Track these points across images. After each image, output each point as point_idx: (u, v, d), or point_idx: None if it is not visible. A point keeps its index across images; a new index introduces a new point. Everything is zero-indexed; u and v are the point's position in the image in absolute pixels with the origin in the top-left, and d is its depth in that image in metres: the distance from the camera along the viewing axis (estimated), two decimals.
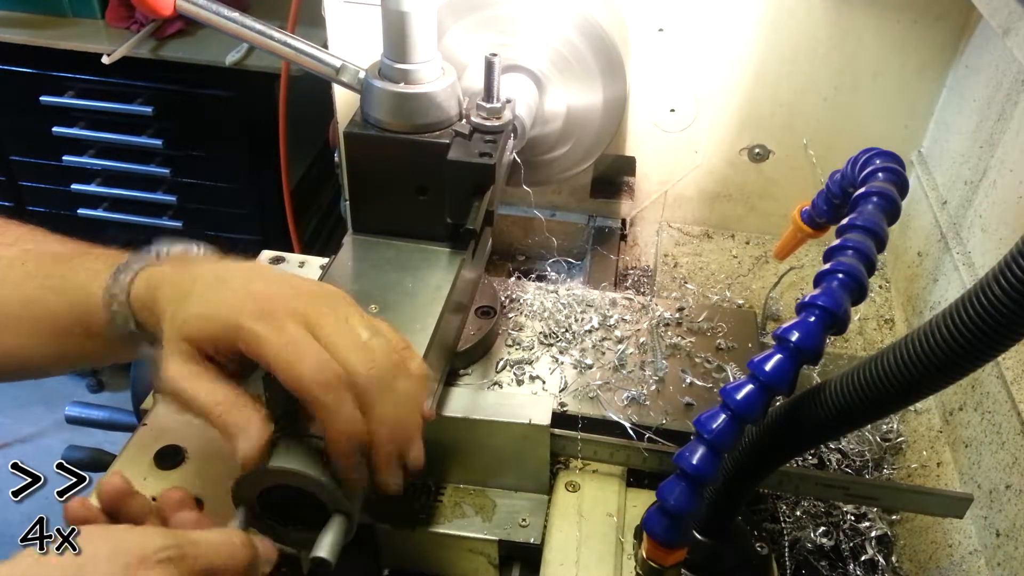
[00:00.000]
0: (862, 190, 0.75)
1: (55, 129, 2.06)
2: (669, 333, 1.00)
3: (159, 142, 2.04)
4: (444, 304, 0.80)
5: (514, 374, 0.93)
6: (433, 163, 0.83)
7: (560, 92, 1.18)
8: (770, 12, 1.20)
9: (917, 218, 1.24)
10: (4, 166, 2.21)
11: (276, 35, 0.88)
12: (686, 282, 1.30)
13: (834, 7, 1.18)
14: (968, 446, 0.93)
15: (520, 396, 0.90)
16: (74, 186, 2.16)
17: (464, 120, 0.87)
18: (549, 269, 1.30)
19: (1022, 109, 0.98)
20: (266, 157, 1.92)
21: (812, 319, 0.64)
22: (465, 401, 0.87)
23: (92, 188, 2.15)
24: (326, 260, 1.04)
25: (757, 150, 1.33)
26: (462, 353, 0.92)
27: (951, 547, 0.91)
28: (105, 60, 1.81)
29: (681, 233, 1.41)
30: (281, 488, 0.64)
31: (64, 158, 2.11)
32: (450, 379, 0.90)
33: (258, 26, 0.89)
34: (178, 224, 2.18)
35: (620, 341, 0.98)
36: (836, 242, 0.70)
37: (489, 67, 0.85)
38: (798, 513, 0.93)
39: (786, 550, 0.89)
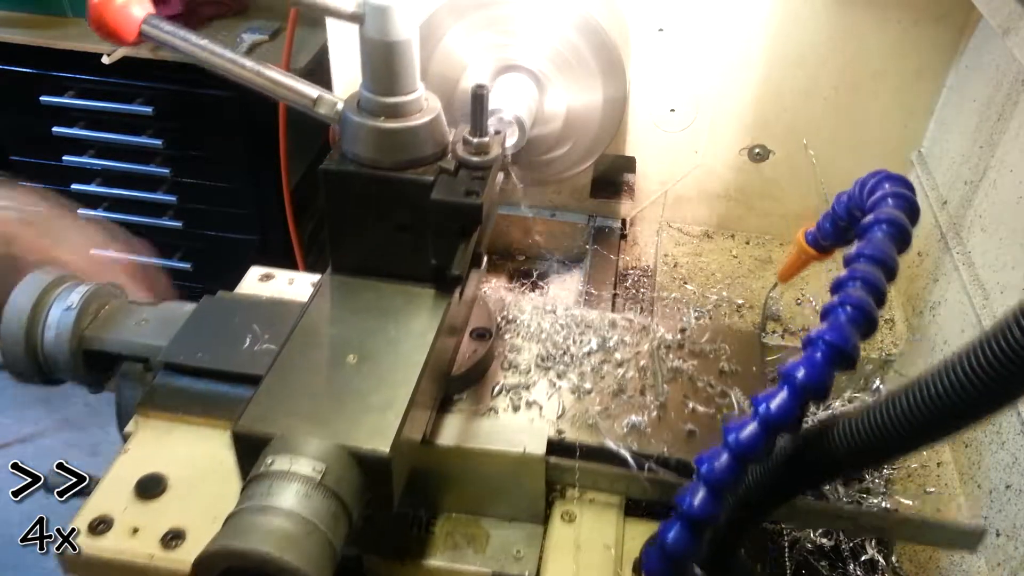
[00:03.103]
0: (870, 218, 0.71)
1: (55, 129, 2.07)
2: (670, 356, 0.96)
3: (159, 142, 2.04)
4: (428, 353, 0.75)
5: (510, 399, 0.89)
6: (416, 202, 0.79)
7: (560, 92, 1.18)
8: (771, 12, 1.20)
9: None
10: (4, 166, 2.21)
11: (248, 64, 0.83)
12: (686, 282, 1.30)
13: (835, 8, 1.18)
14: (968, 446, 0.93)
15: (515, 424, 0.86)
16: (74, 186, 2.16)
17: (450, 155, 0.81)
18: (549, 270, 1.30)
19: (1022, 109, 0.98)
20: (266, 157, 1.92)
21: (819, 355, 0.61)
22: (458, 429, 0.83)
23: (92, 188, 2.15)
24: (316, 278, 0.96)
25: (757, 150, 1.33)
26: (456, 378, 0.88)
27: None
28: (105, 60, 1.81)
29: (681, 233, 1.41)
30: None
31: (64, 158, 2.11)
32: (443, 405, 0.87)
33: (228, 54, 0.84)
34: (178, 224, 2.18)
35: (620, 364, 0.94)
36: (844, 273, 0.67)
37: (477, 100, 0.79)
38: None
39: (786, 550, 0.89)
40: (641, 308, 1.29)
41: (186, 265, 2.25)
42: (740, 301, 1.25)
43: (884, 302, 0.65)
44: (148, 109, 1.98)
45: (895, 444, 0.58)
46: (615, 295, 1.29)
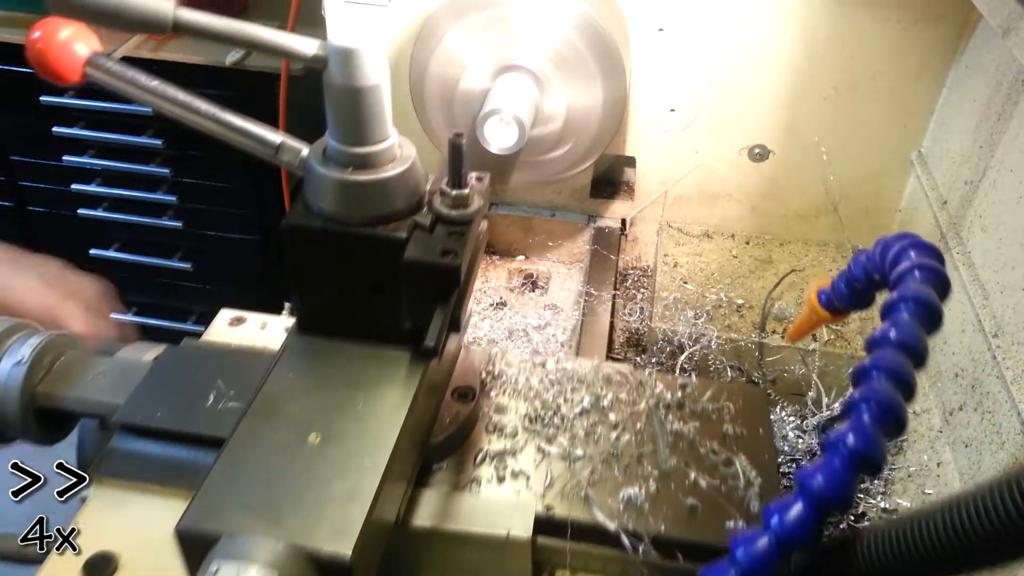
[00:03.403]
0: (895, 295, 0.64)
1: (55, 129, 2.07)
2: (670, 417, 0.89)
3: (159, 142, 2.04)
4: (401, 430, 0.68)
5: (494, 468, 0.82)
6: (388, 261, 0.71)
7: (560, 92, 1.18)
8: (770, 12, 1.20)
9: (917, 218, 1.24)
10: (4, 166, 2.21)
11: (203, 107, 0.77)
12: (686, 282, 1.30)
13: (834, 7, 1.18)
14: (968, 446, 0.93)
15: (499, 498, 0.79)
16: (74, 186, 2.16)
17: (426, 207, 0.74)
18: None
19: (1022, 109, 0.98)
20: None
21: (838, 462, 0.55)
22: (436, 507, 0.77)
23: (92, 188, 2.15)
24: (291, 322, 0.87)
25: (757, 150, 1.33)
26: (436, 446, 0.81)
27: None
28: None
29: (681, 233, 1.42)
30: None
31: (64, 158, 2.11)
32: (421, 476, 0.80)
33: (181, 96, 0.77)
34: (178, 224, 2.18)
35: (615, 427, 0.87)
36: (866, 360, 0.60)
37: (455, 150, 0.72)
38: None
39: None
40: (641, 309, 1.30)
41: (186, 265, 2.25)
42: (740, 301, 1.25)
43: (914, 395, 0.58)
44: (148, 109, 1.98)
45: (927, 571, 0.53)
46: (615, 295, 1.29)
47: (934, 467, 0.98)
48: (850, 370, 0.62)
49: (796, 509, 0.55)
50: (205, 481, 0.64)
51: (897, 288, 0.64)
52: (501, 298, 1.27)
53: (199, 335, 1.08)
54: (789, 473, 0.95)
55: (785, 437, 0.98)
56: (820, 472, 0.55)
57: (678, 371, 1.12)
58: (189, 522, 0.61)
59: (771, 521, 0.56)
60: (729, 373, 1.10)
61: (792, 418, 1.01)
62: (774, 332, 1.19)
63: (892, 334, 0.60)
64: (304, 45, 0.68)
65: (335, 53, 0.67)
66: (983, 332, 0.93)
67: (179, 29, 0.66)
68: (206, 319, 1.08)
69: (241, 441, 0.67)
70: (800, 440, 0.98)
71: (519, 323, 1.20)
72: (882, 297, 0.69)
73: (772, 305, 1.23)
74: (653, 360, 1.18)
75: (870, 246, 0.72)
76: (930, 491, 0.96)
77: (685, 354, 1.15)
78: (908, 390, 0.58)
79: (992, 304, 0.95)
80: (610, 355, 1.21)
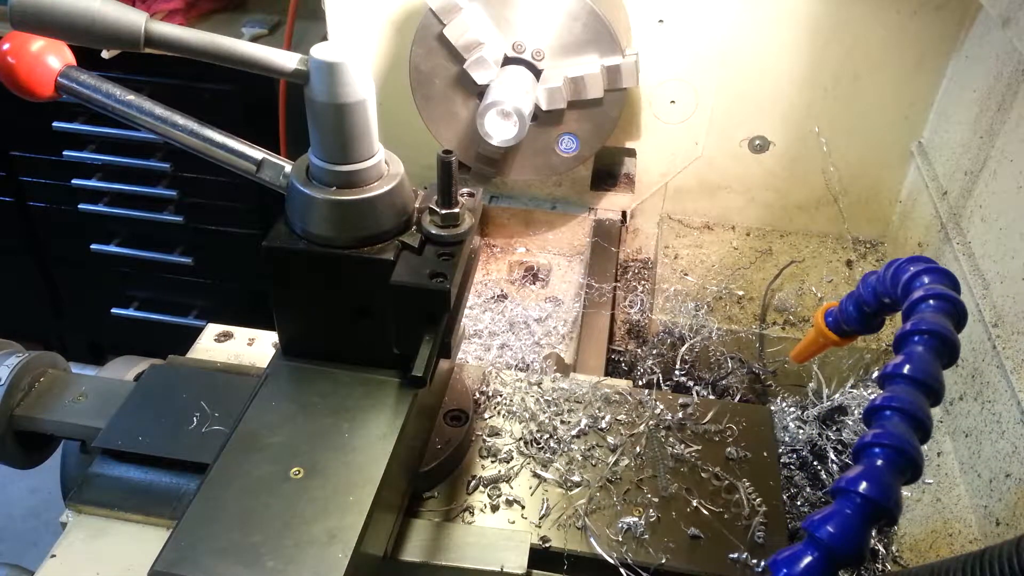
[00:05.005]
0: (908, 325, 0.60)
1: (55, 124, 2.07)
2: (671, 439, 0.87)
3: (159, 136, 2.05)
4: (388, 462, 0.65)
5: (488, 496, 0.80)
6: (375, 284, 0.68)
7: (559, 83, 1.18)
8: (770, 3, 1.20)
9: (918, 208, 1.24)
10: (4, 161, 2.21)
11: (180, 121, 0.75)
12: (686, 274, 1.30)
13: None
14: (968, 436, 0.93)
15: (493, 529, 0.77)
16: (75, 181, 2.17)
17: (414, 227, 0.71)
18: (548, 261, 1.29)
19: (1022, 99, 0.98)
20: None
21: (849, 511, 0.51)
22: (427, 539, 0.74)
23: (93, 183, 2.16)
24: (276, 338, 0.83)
25: (757, 141, 1.33)
26: (427, 473, 0.78)
27: (951, 536, 0.91)
28: (104, 55, 1.81)
29: (682, 225, 1.42)
30: None
31: (65, 153, 2.12)
32: (412, 504, 0.77)
33: (159, 111, 0.75)
34: (179, 219, 2.18)
35: (613, 450, 0.85)
36: (879, 396, 0.56)
37: (445, 167, 0.68)
38: (798, 503, 0.93)
39: (787, 540, 0.89)
40: (642, 301, 1.30)
41: (187, 260, 2.25)
42: (740, 292, 1.25)
43: (929, 434, 0.55)
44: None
45: None
46: (616, 287, 1.29)
47: (934, 457, 0.99)
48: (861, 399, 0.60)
49: (806, 563, 0.51)
50: (180, 521, 0.61)
51: (911, 318, 0.60)
52: (502, 290, 1.27)
53: (199, 330, 1.08)
54: (790, 464, 0.95)
55: (786, 428, 0.98)
56: (831, 522, 0.51)
57: (679, 361, 1.12)
58: (163, 566, 0.58)
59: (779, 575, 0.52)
60: (730, 364, 1.10)
61: (793, 409, 1.01)
62: (774, 323, 1.19)
63: (906, 369, 0.56)
64: (284, 59, 0.65)
65: (317, 67, 0.64)
66: (983, 322, 0.94)
67: (152, 44, 0.62)
68: (207, 314, 1.08)
69: (219, 477, 0.64)
70: (801, 431, 0.98)
71: (520, 315, 1.20)
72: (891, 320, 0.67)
73: (772, 296, 1.23)
74: (654, 352, 1.18)
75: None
76: (930, 480, 0.97)
77: (686, 346, 1.15)
78: (924, 430, 0.54)
79: (992, 294, 0.95)
80: (611, 347, 1.22)
